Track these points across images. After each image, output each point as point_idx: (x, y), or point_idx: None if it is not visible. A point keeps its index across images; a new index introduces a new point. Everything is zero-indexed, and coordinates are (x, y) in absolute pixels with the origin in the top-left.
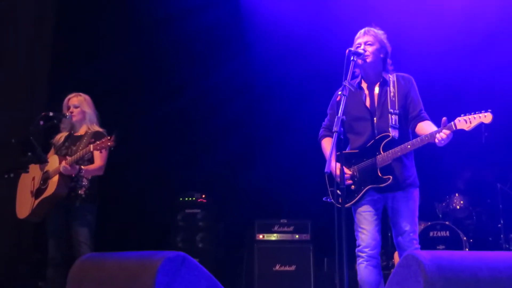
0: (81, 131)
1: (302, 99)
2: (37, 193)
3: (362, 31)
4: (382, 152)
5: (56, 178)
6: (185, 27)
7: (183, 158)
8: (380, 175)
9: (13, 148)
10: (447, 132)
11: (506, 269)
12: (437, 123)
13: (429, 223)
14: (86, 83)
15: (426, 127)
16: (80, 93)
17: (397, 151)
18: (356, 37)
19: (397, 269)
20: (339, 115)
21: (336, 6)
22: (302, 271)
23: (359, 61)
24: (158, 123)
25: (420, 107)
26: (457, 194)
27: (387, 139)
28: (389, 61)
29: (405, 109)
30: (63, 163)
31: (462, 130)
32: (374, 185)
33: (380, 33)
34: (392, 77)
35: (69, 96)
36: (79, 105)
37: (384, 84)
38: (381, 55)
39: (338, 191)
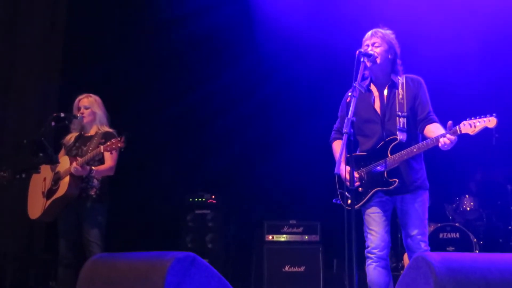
0: (91, 131)
1: (312, 100)
2: (49, 193)
3: (369, 33)
4: (389, 155)
5: (67, 179)
6: (195, 28)
7: (193, 158)
8: (387, 178)
9: (25, 149)
10: (452, 137)
11: None
12: (445, 125)
13: (439, 224)
14: (97, 83)
15: (434, 130)
16: (91, 94)
17: (403, 154)
18: (364, 39)
19: (407, 271)
20: (349, 116)
21: (346, 7)
22: (311, 272)
23: (368, 63)
24: (168, 124)
25: (429, 109)
26: (467, 196)
27: (395, 142)
28: (399, 61)
29: (414, 111)
30: (74, 164)
31: (467, 134)
32: (381, 188)
33: (388, 33)
34: (401, 79)
35: (80, 97)
36: (89, 106)
37: (393, 87)
38: (389, 56)
39: (346, 193)
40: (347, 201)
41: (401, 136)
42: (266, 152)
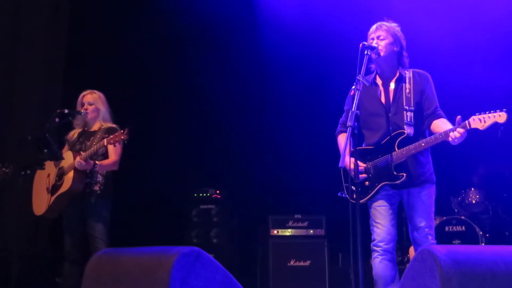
0: (95, 127)
1: (317, 94)
2: (53, 189)
3: (374, 26)
4: (396, 149)
5: (71, 173)
6: (199, 23)
7: (197, 154)
8: (394, 172)
9: (29, 145)
10: (461, 131)
11: None
12: (453, 121)
13: (445, 217)
14: (100, 79)
15: (441, 125)
16: (95, 91)
17: (411, 149)
18: (369, 32)
19: (413, 263)
20: (353, 109)
21: (351, 2)
22: (316, 267)
23: (373, 56)
24: (172, 119)
25: (436, 105)
26: (472, 189)
27: (402, 136)
28: (405, 53)
29: (420, 106)
30: (78, 158)
31: (476, 129)
32: (388, 182)
33: (393, 25)
34: (408, 73)
35: (83, 93)
36: (93, 103)
37: (400, 80)
38: (395, 49)
39: (352, 186)
40: (353, 195)
41: (408, 130)
42: (270, 147)
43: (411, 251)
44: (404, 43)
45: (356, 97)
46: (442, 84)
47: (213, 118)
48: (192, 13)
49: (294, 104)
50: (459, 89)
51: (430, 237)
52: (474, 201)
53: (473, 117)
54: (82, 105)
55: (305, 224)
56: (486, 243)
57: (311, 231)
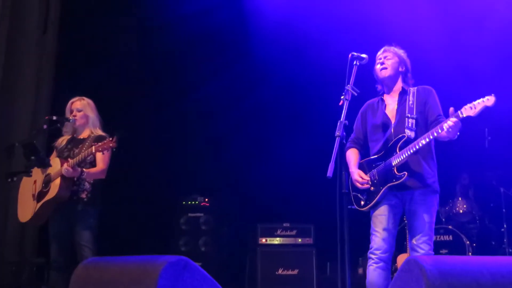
0: (84, 134)
1: (306, 103)
2: (39, 196)
3: (382, 49)
4: (398, 151)
5: (58, 180)
6: (189, 31)
7: (186, 161)
8: (396, 172)
9: (17, 152)
10: (454, 120)
11: (508, 274)
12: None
13: None
14: (90, 86)
15: None
16: (83, 97)
17: (411, 147)
18: (377, 55)
19: (399, 273)
20: (341, 119)
21: (341, 9)
22: (304, 275)
23: (380, 74)
24: (161, 127)
25: (439, 113)
26: (460, 198)
27: (403, 139)
28: (409, 75)
29: (424, 115)
30: (65, 165)
31: (469, 117)
32: (391, 183)
33: (400, 51)
34: (412, 89)
35: (72, 100)
36: (82, 109)
37: (404, 93)
38: (400, 69)
39: (359, 195)
40: (360, 202)
41: (409, 133)
42: (259, 155)
43: (399, 260)
44: (409, 66)
45: (345, 107)
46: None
47: (202, 126)
48: (184, 21)
49: (284, 113)
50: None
51: (427, 248)
52: (461, 211)
53: (464, 106)
54: (71, 111)
55: (294, 232)
56: (473, 253)
57: (300, 240)
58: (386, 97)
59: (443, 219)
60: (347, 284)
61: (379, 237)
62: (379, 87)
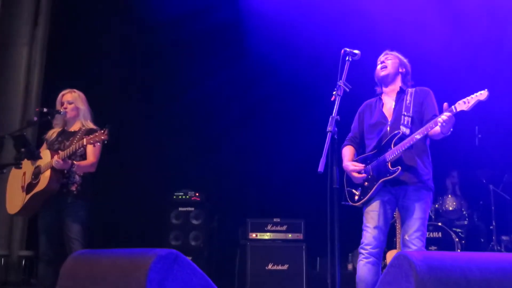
0: (75, 127)
1: (298, 102)
2: (28, 188)
3: (384, 52)
4: (392, 147)
5: (48, 172)
6: (184, 30)
7: (177, 156)
8: (390, 167)
9: (7, 144)
10: (448, 114)
11: (496, 271)
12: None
13: None
14: (81, 80)
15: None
16: (74, 90)
17: (405, 142)
18: (378, 58)
19: (389, 269)
20: (333, 115)
21: (337, 9)
22: (294, 271)
23: (380, 73)
24: (153, 123)
25: (434, 112)
26: (449, 196)
27: (398, 135)
28: (409, 77)
29: (420, 114)
30: (56, 157)
31: (462, 111)
32: (385, 178)
33: (400, 56)
34: (411, 90)
35: (63, 92)
36: (73, 101)
37: (402, 93)
38: (401, 70)
39: (353, 190)
40: (354, 197)
41: (404, 130)
42: (251, 150)
43: (388, 256)
44: (409, 69)
45: (336, 102)
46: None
47: (193, 121)
48: (180, 22)
49: (275, 110)
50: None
51: (420, 243)
52: (450, 208)
53: (458, 101)
54: (62, 104)
55: (284, 228)
56: (461, 250)
57: (290, 235)
58: (384, 97)
59: (433, 216)
60: (337, 279)
61: (370, 232)
62: (378, 89)
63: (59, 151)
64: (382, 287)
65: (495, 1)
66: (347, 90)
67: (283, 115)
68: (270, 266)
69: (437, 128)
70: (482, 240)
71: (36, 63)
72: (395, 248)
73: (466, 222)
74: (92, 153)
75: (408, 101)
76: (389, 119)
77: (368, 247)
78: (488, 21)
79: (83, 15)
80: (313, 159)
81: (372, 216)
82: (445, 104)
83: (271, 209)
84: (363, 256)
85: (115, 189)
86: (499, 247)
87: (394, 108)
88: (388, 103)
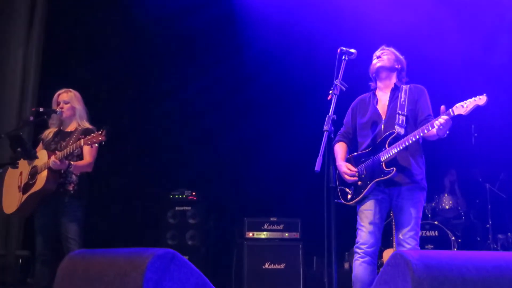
0: (71, 127)
1: (294, 101)
2: (25, 188)
3: (380, 48)
4: (387, 147)
5: (44, 173)
6: (179, 28)
7: (174, 155)
8: (384, 168)
9: (3, 144)
10: (446, 117)
11: (493, 269)
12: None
13: None
14: (79, 81)
15: None
16: (70, 89)
17: (400, 143)
18: (374, 53)
19: (385, 267)
20: (330, 114)
21: (333, 6)
22: (291, 270)
23: (375, 65)
24: (149, 122)
25: (429, 112)
26: (446, 194)
27: (393, 135)
28: (404, 74)
29: (414, 113)
30: (53, 157)
31: (460, 115)
32: (379, 178)
33: (396, 52)
34: (405, 87)
35: (59, 91)
36: (69, 101)
37: (396, 90)
38: (396, 66)
39: (346, 188)
40: (347, 196)
41: (399, 130)
42: (247, 150)
43: (385, 255)
44: (405, 66)
45: (333, 101)
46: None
47: (190, 121)
48: (173, 20)
49: (272, 109)
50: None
51: (413, 243)
52: (447, 207)
53: (456, 105)
54: (58, 103)
55: (281, 227)
56: (458, 248)
57: (286, 234)
58: (378, 92)
59: (429, 215)
60: (334, 278)
61: (365, 232)
62: (372, 84)
63: (56, 152)
64: (379, 286)
65: (492, 2)
66: (344, 89)
67: (279, 114)
68: (267, 265)
69: (433, 131)
70: (478, 238)
71: (32, 63)
72: (392, 247)
73: (462, 221)
74: (88, 153)
75: (402, 99)
76: (383, 116)
77: (363, 247)
78: (486, 19)
79: (77, 14)
80: (309, 158)
81: (367, 215)
82: (443, 107)
83: (268, 208)
84: (358, 255)
85: (112, 188)
86: (495, 246)
87: (388, 106)
88: (382, 99)
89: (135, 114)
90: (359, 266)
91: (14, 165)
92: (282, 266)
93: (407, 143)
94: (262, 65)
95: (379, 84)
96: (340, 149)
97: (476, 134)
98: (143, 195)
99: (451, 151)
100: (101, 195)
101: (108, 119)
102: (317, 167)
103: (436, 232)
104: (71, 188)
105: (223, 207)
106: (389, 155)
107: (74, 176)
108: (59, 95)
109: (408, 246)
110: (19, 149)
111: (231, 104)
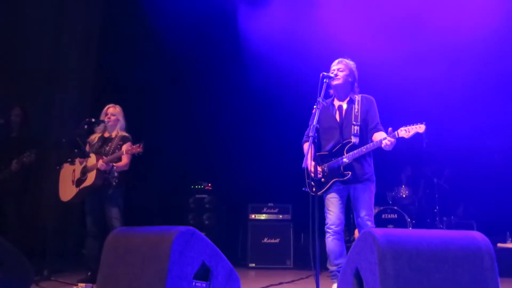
0: (112, 134)
1: (286, 114)
2: (78, 182)
3: (336, 60)
4: (345, 154)
5: (94, 172)
6: (199, 57)
7: (194, 154)
8: (343, 171)
9: (64, 146)
10: (392, 140)
11: (440, 244)
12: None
13: (382, 207)
14: (117, 90)
15: (379, 136)
16: (117, 105)
17: (355, 153)
18: (332, 64)
19: (357, 242)
20: (314, 123)
21: (312, 42)
22: (284, 243)
23: (332, 82)
24: (175, 128)
25: (377, 121)
26: (403, 186)
27: (350, 144)
28: (356, 84)
29: (366, 122)
30: (100, 161)
31: (403, 138)
32: (338, 179)
33: (351, 63)
34: (358, 97)
35: (108, 106)
36: (115, 114)
37: (351, 102)
38: (350, 79)
39: (312, 182)
40: (312, 189)
41: (354, 140)
42: (251, 151)
43: (356, 232)
44: (357, 76)
45: (316, 114)
46: (383, 101)
47: (207, 127)
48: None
49: (270, 119)
50: (394, 107)
51: (369, 223)
52: (404, 195)
53: (401, 128)
54: (106, 114)
55: (276, 210)
56: (412, 227)
57: (281, 216)
58: (336, 102)
59: (390, 202)
60: (317, 250)
61: (332, 215)
62: (331, 91)
63: (103, 157)
64: (352, 256)
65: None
66: (325, 104)
67: (276, 127)
68: (265, 240)
69: (381, 146)
70: (428, 220)
71: (86, 84)
72: None
73: (416, 206)
74: (126, 157)
75: (356, 110)
76: (341, 126)
77: (332, 227)
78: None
79: (127, 48)
80: (298, 156)
81: (332, 201)
82: (390, 129)
83: (267, 195)
84: (329, 234)
85: (147, 182)
86: (441, 226)
87: (345, 116)
88: (339, 109)
89: (165, 124)
90: (331, 242)
91: (72, 162)
92: (277, 240)
93: (360, 154)
94: (260, 63)
95: (337, 95)
96: (308, 148)
97: (426, 140)
98: (171, 186)
99: (407, 152)
100: (139, 187)
101: (141, 123)
102: (304, 164)
103: (396, 215)
104: (113, 182)
105: (232, 195)
106: (346, 161)
107: (115, 173)
108: (108, 108)
109: (369, 225)
110: (76, 150)
111: (240, 116)
